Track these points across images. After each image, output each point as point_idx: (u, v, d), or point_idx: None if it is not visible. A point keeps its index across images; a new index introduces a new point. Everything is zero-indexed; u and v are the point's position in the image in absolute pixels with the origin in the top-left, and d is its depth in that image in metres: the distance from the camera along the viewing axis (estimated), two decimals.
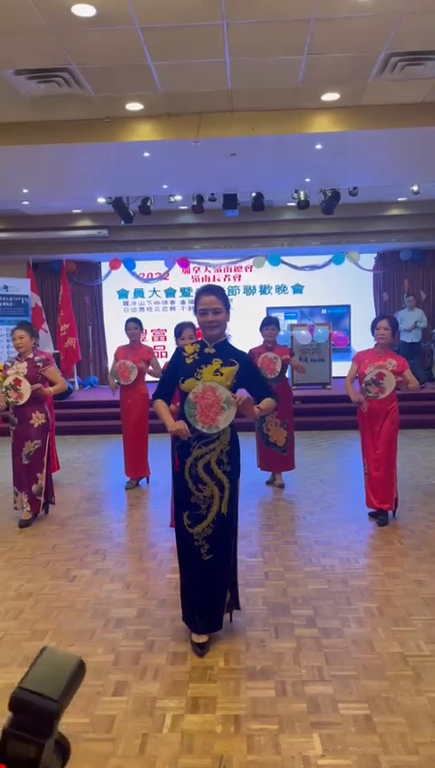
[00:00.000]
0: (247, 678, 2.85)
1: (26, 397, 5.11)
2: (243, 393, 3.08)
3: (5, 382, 5.17)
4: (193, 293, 11.86)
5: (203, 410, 2.99)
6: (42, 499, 5.30)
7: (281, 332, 6.44)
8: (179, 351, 3.20)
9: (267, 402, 3.11)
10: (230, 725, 2.51)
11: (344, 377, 5.39)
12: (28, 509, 5.25)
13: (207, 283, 7.27)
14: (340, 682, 2.80)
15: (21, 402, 5.14)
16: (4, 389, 5.16)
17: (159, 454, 6.72)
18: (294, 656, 3.04)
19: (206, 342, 3.14)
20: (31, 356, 5.23)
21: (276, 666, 2.95)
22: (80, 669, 0.81)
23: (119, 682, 2.86)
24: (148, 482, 6.56)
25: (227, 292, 3.26)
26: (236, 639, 3.22)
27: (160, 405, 3.21)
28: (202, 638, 3.13)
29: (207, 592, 3.15)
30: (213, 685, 2.81)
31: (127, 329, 6.29)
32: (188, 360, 3.09)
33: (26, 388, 5.11)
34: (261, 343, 6.06)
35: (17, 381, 5.13)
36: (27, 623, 3.47)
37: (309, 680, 2.83)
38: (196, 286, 13.13)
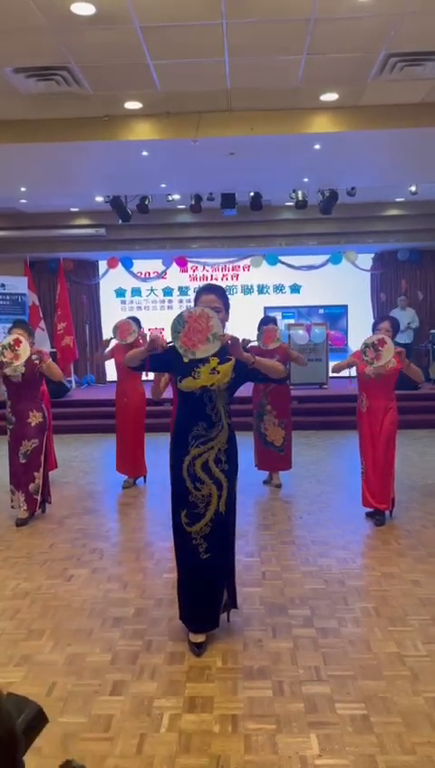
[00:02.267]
0: (245, 678, 2.86)
1: (23, 359, 5.01)
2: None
3: (5, 341, 5.09)
4: (191, 292, 11.99)
5: (189, 333, 2.93)
6: (38, 498, 5.29)
7: (279, 331, 6.43)
8: (177, 351, 3.17)
9: (266, 360, 3.10)
10: (228, 725, 2.52)
11: (342, 376, 5.39)
12: (25, 508, 5.25)
13: (208, 282, 7.25)
14: (337, 682, 2.80)
15: (16, 363, 5.03)
16: (0, 348, 5.06)
17: (156, 452, 6.72)
18: (291, 656, 3.04)
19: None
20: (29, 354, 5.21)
21: (274, 665, 2.96)
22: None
23: (116, 681, 2.86)
24: (145, 481, 6.56)
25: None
26: (234, 639, 3.22)
27: (135, 351, 3.18)
28: (199, 638, 3.13)
29: (205, 591, 3.15)
30: (210, 684, 2.82)
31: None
32: (186, 360, 3.08)
33: (25, 350, 5.02)
34: (257, 343, 6.05)
35: (17, 342, 5.05)
36: (24, 623, 3.47)
37: (306, 680, 2.83)
38: (193, 285, 13.17)
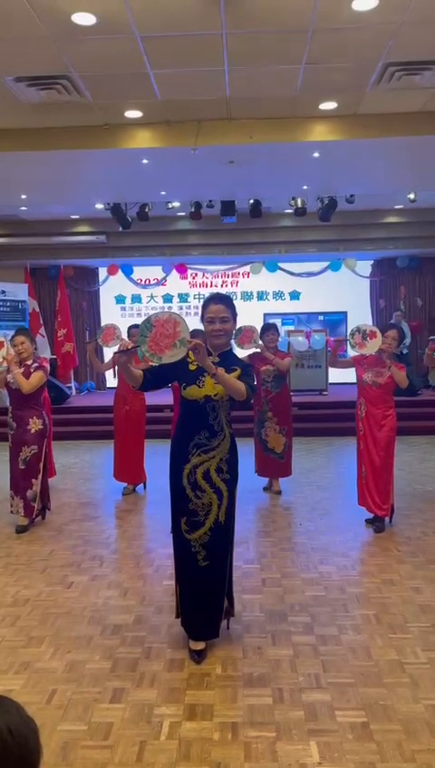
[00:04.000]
0: (244, 686, 2.86)
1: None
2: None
3: None
4: (191, 299, 12.02)
5: (156, 337, 2.90)
6: (36, 505, 5.29)
7: (280, 338, 6.45)
8: (184, 357, 3.18)
9: (229, 377, 2.95)
10: (227, 733, 2.51)
11: (341, 383, 5.41)
12: (22, 514, 5.25)
13: (217, 291, 7.25)
14: (337, 689, 2.80)
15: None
16: None
17: (156, 459, 6.72)
18: (291, 663, 3.04)
19: (211, 351, 3.13)
20: (29, 362, 5.22)
21: (273, 673, 2.96)
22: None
23: (116, 689, 2.85)
24: (145, 488, 6.56)
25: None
26: (234, 646, 3.22)
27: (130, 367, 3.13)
28: (199, 645, 3.13)
29: (204, 599, 3.16)
30: (210, 692, 2.81)
31: (130, 336, 6.21)
32: (192, 367, 3.08)
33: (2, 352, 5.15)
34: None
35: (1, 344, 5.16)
36: (24, 630, 3.46)
37: (306, 687, 2.83)
38: (193, 292, 13.21)
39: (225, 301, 3.15)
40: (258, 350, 5.92)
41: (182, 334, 2.90)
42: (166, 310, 3.03)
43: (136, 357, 5.56)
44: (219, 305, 3.11)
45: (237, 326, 3.22)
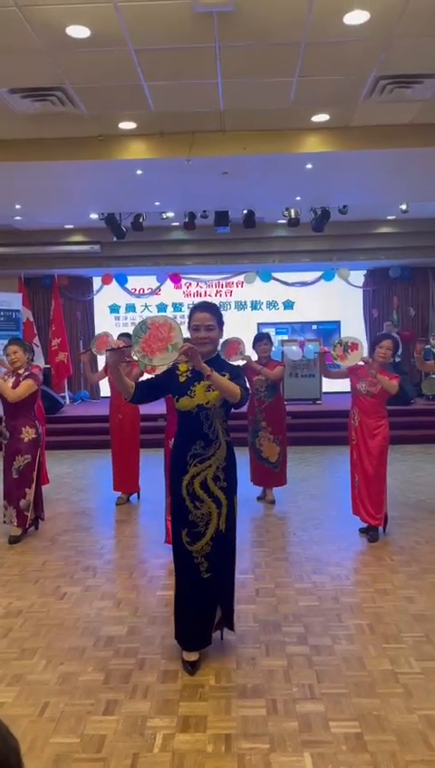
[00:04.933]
0: (238, 697, 2.84)
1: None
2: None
3: None
4: (185, 308, 12.07)
5: (149, 339, 2.93)
6: (29, 514, 5.26)
7: (273, 348, 6.46)
8: (173, 370, 3.20)
9: (222, 379, 2.95)
10: (221, 745, 2.50)
11: (335, 392, 5.43)
12: (15, 524, 5.23)
13: (203, 300, 7.28)
14: (331, 700, 2.80)
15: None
16: None
17: (150, 469, 6.71)
18: (285, 673, 3.03)
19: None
20: (21, 371, 5.22)
21: (267, 684, 2.95)
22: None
23: (109, 701, 2.84)
24: (138, 497, 6.54)
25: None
26: (227, 657, 3.21)
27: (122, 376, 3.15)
28: (193, 656, 3.12)
29: (203, 610, 3.15)
30: (204, 703, 2.80)
31: None
32: (182, 379, 3.11)
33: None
34: (255, 359, 6.08)
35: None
36: (16, 641, 3.44)
37: (300, 698, 2.82)
38: (187, 301, 13.24)
39: (210, 309, 3.17)
40: (243, 361, 5.87)
41: (175, 339, 2.92)
42: (164, 314, 3.06)
43: (132, 361, 5.54)
44: (205, 313, 3.13)
45: (225, 336, 3.22)
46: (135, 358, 2.98)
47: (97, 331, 13.31)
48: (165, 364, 2.96)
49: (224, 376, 3.03)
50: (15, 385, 5.13)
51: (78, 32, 4.36)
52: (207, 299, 12.82)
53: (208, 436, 3.06)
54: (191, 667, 3.07)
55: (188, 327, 3.18)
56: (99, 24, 4.26)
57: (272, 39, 4.53)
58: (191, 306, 3.34)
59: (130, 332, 6.49)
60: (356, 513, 5.16)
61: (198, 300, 13.00)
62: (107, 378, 6.36)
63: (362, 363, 5.03)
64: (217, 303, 3.29)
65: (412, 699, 2.79)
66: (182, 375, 3.11)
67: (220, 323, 3.17)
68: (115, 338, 6.36)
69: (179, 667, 3.10)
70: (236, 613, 3.35)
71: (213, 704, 2.79)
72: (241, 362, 5.91)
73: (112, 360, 3.12)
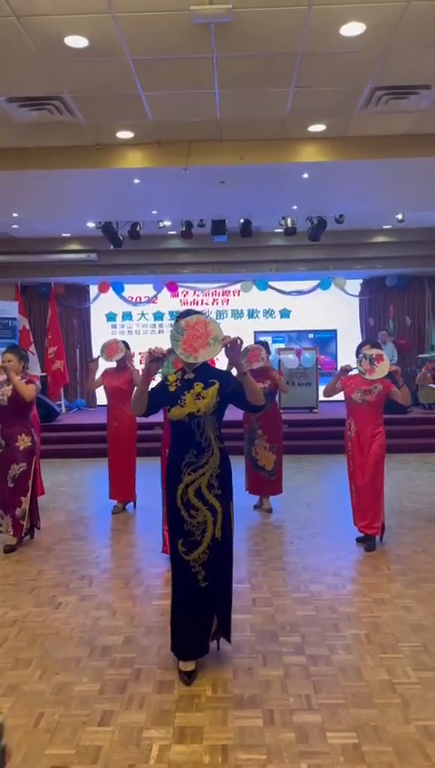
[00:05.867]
0: (235, 707, 2.82)
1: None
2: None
3: None
4: None
5: (189, 339, 3.00)
6: (25, 523, 5.24)
7: (270, 356, 6.47)
8: (164, 381, 3.22)
9: (253, 380, 3.08)
10: (218, 756, 2.48)
11: (331, 401, 5.42)
12: (11, 533, 5.20)
13: (187, 308, 7.31)
14: (328, 710, 2.78)
15: (2, 381, 5.12)
16: None
17: (147, 478, 6.69)
18: (281, 684, 3.01)
19: (185, 369, 3.17)
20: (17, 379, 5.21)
21: (264, 694, 2.93)
22: None
23: (105, 711, 2.81)
24: (135, 506, 6.52)
25: (214, 316, 3.29)
26: (224, 667, 3.19)
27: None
28: (189, 666, 3.10)
29: (200, 619, 3.13)
30: (200, 714, 2.78)
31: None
32: (172, 389, 3.12)
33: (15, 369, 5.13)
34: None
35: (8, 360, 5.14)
36: (11, 651, 3.41)
37: (297, 709, 2.80)
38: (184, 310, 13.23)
39: (197, 316, 3.19)
40: (261, 364, 5.85)
41: (214, 332, 3.01)
42: (197, 313, 3.12)
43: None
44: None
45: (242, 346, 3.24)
46: (180, 358, 3.05)
47: (94, 340, 13.37)
48: (211, 357, 3.03)
49: (213, 384, 3.05)
50: (15, 392, 5.12)
51: (76, 42, 4.38)
52: (204, 308, 12.85)
53: (201, 444, 3.06)
54: (188, 678, 3.05)
55: None
56: (97, 34, 4.28)
57: (269, 50, 4.56)
58: (176, 314, 3.40)
59: (126, 341, 6.53)
60: (357, 524, 5.13)
61: (195, 308, 13.11)
62: (103, 386, 6.36)
63: (355, 372, 5.05)
64: (206, 312, 3.32)
65: (410, 709, 2.78)
66: (172, 385, 3.13)
67: None
68: (113, 340, 6.37)
69: (176, 678, 3.08)
70: (232, 623, 3.33)
71: (209, 714, 2.77)
72: (262, 364, 5.84)
73: (153, 367, 3.17)
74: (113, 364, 6.32)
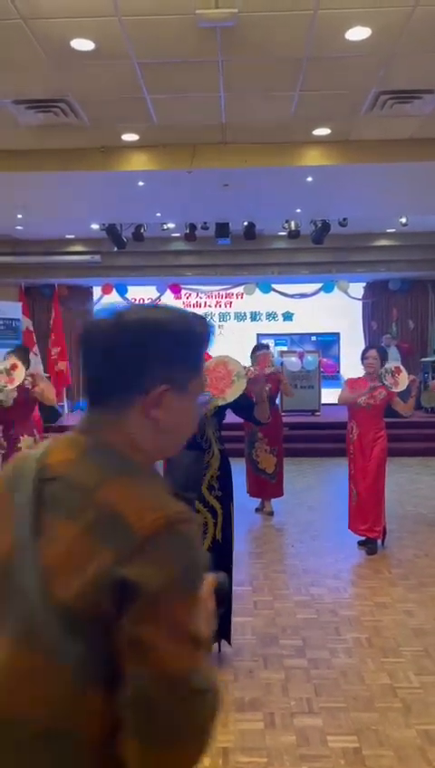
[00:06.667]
0: (236, 710, 2.82)
1: (17, 382, 5.06)
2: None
3: (1, 366, 5.12)
4: None
5: (213, 383, 3.03)
6: None
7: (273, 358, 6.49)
8: None
9: (266, 402, 3.21)
10: (218, 758, 2.48)
11: (334, 403, 5.43)
12: None
13: (208, 311, 7.33)
14: (329, 714, 2.78)
15: (10, 387, 5.07)
16: None
17: None
18: (282, 687, 3.01)
19: None
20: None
21: (265, 697, 2.93)
22: None
23: None
24: None
25: (217, 319, 3.33)
26: (225, 670, 3.18)
27: None
28: None
29: None
30: None
31: None
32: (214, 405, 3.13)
33: (20, 374, 5.07)
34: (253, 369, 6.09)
35: (14, 366, 5.10)
36: None
37: (298, 712, 2.80)
38: None
39: None
40: (273, 369, 5.96)
41: (235, 369, 3.07)
42: (212, 360, 3.15)
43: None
44: None
45: (230, 348, 3.27)
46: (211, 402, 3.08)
47: None
48: (239, 394, 3.08)
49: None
50: (21, 391, 5.12)
51: (82, 45, 4.40)
52: (207, 310, 12.84)
53: (201, 446, 3.07)
54: None
55: None
56: (103, 37, 4.30)
57: (274, 53, 4.58)
58: None
59: None
60: (353, 529, 5.13)
61: (198, 311, 13.11)
62: None
63: (360, 377, 5.08)
64: (209, 315, 3.33)
65: (411, 714, 2.78)
66: None
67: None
68: None
69: None
70: (233, 625, 3.33)
71: None
72: (272, 371, 5.94)
73: None
74: None
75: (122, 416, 0.94)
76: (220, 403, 3.05)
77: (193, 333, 1.00)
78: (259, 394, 3.14)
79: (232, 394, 3.04)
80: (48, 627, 0.80)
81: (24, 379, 5.17)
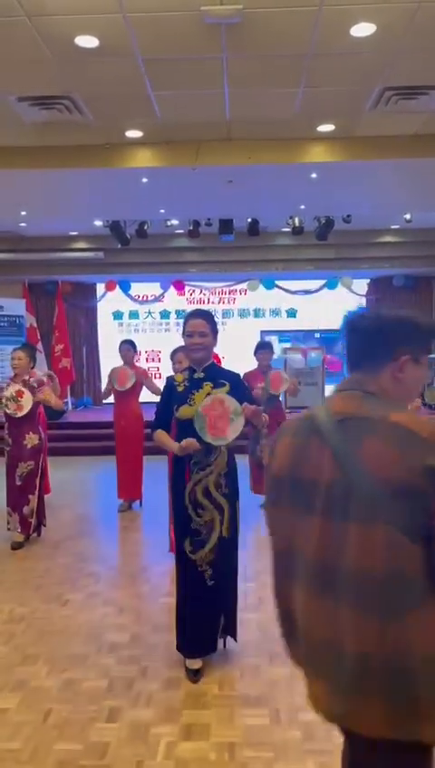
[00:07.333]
0: (242, 705, 2.84)
1: (26, 409, 5.12)
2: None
3: (7, 393, 5.17)
4: None
5: (212, 422, 3.01)
6: (32, 521, 5.27)
7: (275, 356, 6.49)
8: (170, 381, 3.23)
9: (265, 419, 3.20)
10: (224, 753, 2.50)
11: None
12: (19, 530, 5.23)
13: (197, 307, 7.36)
14: None
15: (20, 414, 5.13)
16: (4, 401, 5.15)
17: (154, 476, 6.71)
18: (288, 683, 3.02)
19: (194, 368, 3.18)
20: (26, 377, 5.25)
21: (271, 693, 2.94)
22: None
23: (112, 708, 2.83)
24: (141, 504, 6.54)
25: (221, 315, 3.32)
26: (231, 666, 3.20)
27: (161, 434, 3.22)
28: (196, 664, 3.12)
29: (208, 617, 3.14)
30: (207, 711, 2.80)
31: (120, 350, 6.35)
32: (180, 388, 3.13)
33: (28, 400, 5.12)
34: (255, 367, 6.10)
35: (19, 393, 5.14)
36: (19, 647, 3.44)
37: (303, 707, 2.80)
38: (191, 308, 13.24)
39: (204, 316, 3.20)
40: (287, 385, 6.05)
41: (232, 407, 3.03)
42: (208, 398, 3.11)
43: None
44: (198, 320, 3.15)
45: (217, 342, 3.25)
46: (214, 444, 3.05)
47: (100, 338, 13.41)
48: (239, 432, 3.06)
49: (223, 385, 3.07)
50: (29, 390, 5.17)
51: (87, 41, 4.40)
52: (211, 306, 12.84)
53: (210, 445, 3.07)
54: (194, 675, 3.07)
55: (183, 334, 3.20)
56: (107, 34, 4.30)
57: (279, 50, 4.57)
58: (183, 312, 3.41)
59: (132, 339, 6.61)
60: None
61: (202, 307, 13.10)
62: (112, 388, 6.39)
63: None
64: (212, 311, 3.32)
65: None
66: (180, 385, 3.14)
67: (214, 331, 3.20)
68: (118, 346, 6.41)
69: (182, 675, 3.10)
70: (239, 621, 3.35)
71: (216, 712, 2.79)
72: (287, 386, 6.05)
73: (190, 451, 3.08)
74: (120, 362, 6.36)
75: (378, 375, 1.44)
76: (222, 443, 3.05)
77: (426, 325, 1.47)
78: (259, 424, 3.16)
79: (232, 432, 3.03)
80: (382, 504, 1.26)
81: (32, 383, 5.21)
